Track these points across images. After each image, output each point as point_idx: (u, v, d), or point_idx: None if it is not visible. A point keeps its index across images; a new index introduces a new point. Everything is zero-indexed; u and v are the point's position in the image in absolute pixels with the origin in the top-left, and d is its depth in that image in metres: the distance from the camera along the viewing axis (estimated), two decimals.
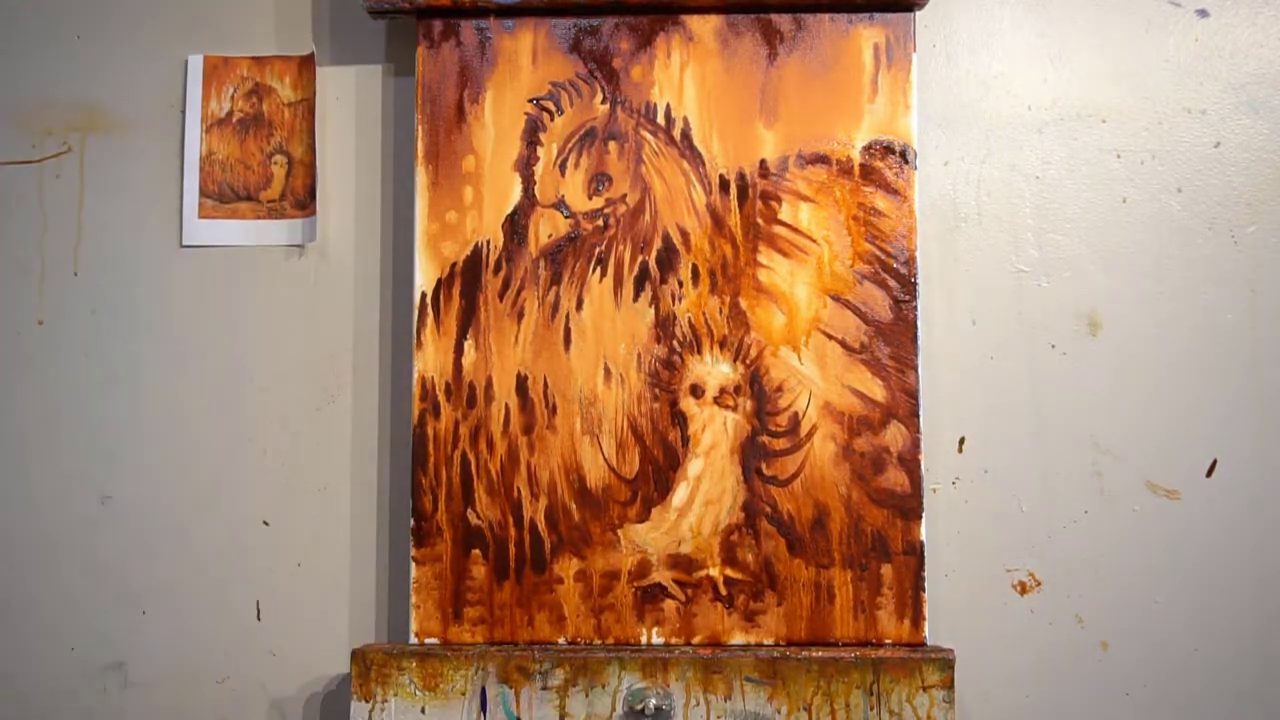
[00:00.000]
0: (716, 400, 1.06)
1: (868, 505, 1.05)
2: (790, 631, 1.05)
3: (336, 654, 1.12)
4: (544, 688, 1.01)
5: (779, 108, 1.08)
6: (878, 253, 1.07)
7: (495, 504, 1.06)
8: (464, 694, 1.02)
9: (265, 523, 1.14)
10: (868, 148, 1.08)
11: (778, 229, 1.08)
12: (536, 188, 1.09)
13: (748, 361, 1.07)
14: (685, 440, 1.06)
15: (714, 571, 1.06)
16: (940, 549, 1.10)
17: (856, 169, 1.08)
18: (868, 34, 1.08)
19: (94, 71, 1.18)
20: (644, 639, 1.05)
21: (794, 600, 1.05)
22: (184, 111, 1.17)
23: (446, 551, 1.06)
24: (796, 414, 1.06)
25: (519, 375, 1.07)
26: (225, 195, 1.15)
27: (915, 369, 1.06)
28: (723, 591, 1.05)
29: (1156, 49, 1.13)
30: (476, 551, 1.06)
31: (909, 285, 1.07)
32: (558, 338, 1.08)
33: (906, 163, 1.08)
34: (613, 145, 1.09)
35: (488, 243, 1.08)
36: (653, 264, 1.08)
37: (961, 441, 1.11)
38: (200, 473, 1.14)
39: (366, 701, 1.02)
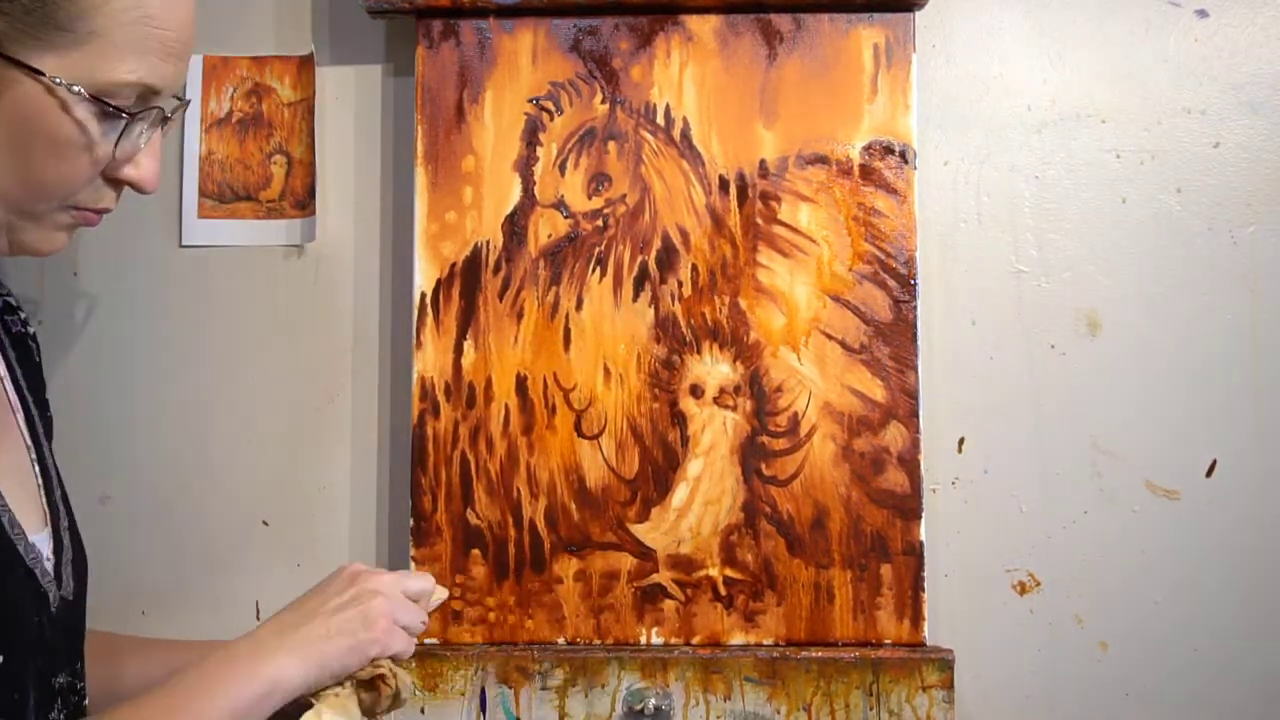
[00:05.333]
0: (716, 400, 1.06)
1: (867, 505, 1.05)
2: (790, 632, 1.05)
3: None
4: (543, 688, 1.01)
5: (778, 108, 1.08)
6: (877, 253, 1.07)
7: (495, 504, 1.06)
8: (463, 694, 1.02)
9: (265, 523, 1.14)
10: (867, 148, 1.08)
11: (777, 229, 1.08)
12: (536, 188, 1.09)
13: (747, 362, 1.07)
14: (685, 440, 1.06)
15: (713, 571, 1.06)
16: (940, 549, 1.10)
17: (856, 169, 1.08)
18: (867, 34, 1.08)
19: None
20: (643, 639, 1.05)
21: (793, 600, 1.05)
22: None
23: (446, 551, 1.06)
24: (796, 414, 1.06)
25: (518, 375, 1.07)
26: (225, 195, 1.15)
27: (915, 369, 1.06)
28: (722, 591, 1.05)
29: (1156, 49, 1.13)
30: (476, 551, 1.06)
31: (908, 285, 1.07)
32: (557, 338, 1.08)
33: (906, 163, 1.08)
34: (612, 145, 1.09)
35: (487, 243, 1.08)
36: (652, 264, 1.08)
37: (961, 441, 1.11)
38: (200, 473, 1.14)
39: None
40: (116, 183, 0.76)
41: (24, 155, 0.70)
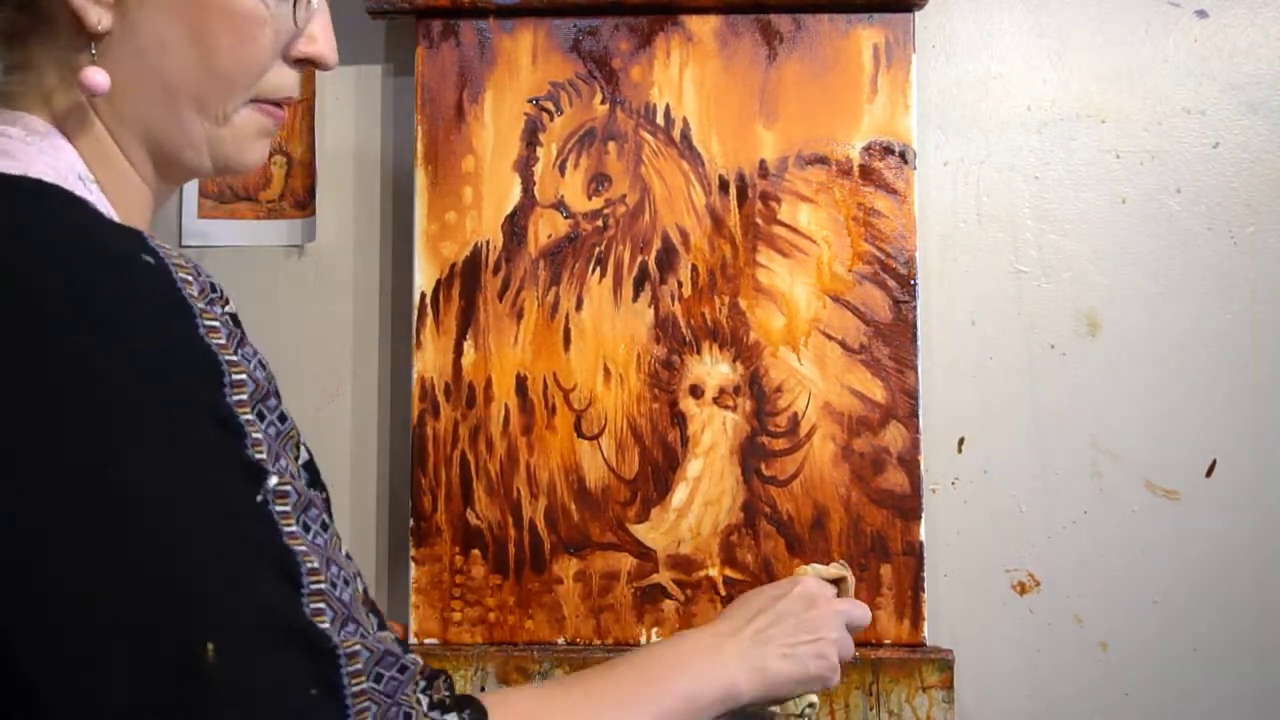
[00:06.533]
0: (716, 400, 1.06)
1: (867, 505, 1.05)
2: None
3: None
4: None
5: (778, 108, 1.08)
6: (877, 253, 1.07)
7: (494, 504, 1.06)
8: None
9: None
10: (867, 148, 1.08)
11: (777, 229, 1.08)
12: (536, 188, 1.09)
13: (747, 362, 1.07)
14: (685, 440, 1.06)
15: (713, 572, 1.06)
16: (940, 549, 1.10)
17: (856, 169, 1.08)
18: (867, 34, 1.08)
19: None
20: (643, 639, 1.05)
21: None
22: None
23: (446, 552, 1.06)
24: (796, 414, 1.06)
25: (518, 375, 1.07)
26: (225, 195, 1.15)
27: (915, 369, 1.06)
28: (722, 592, 1.05)
29: (1156, 49, 1.13)
30: (476, 552, 1.06)
31: (908, 285, 1.07)
32: (557, 338, 1.08)
33: (906, 163, 1.08)
34: (612, 145, 1.09)
35: (487, 243, 1.08)
36: (652, 264, 1.08)
37: (961, 441, 1.11)
38: None
39: None
40: (297, 63, 0.71)
41: (203, 44, 0.65)
